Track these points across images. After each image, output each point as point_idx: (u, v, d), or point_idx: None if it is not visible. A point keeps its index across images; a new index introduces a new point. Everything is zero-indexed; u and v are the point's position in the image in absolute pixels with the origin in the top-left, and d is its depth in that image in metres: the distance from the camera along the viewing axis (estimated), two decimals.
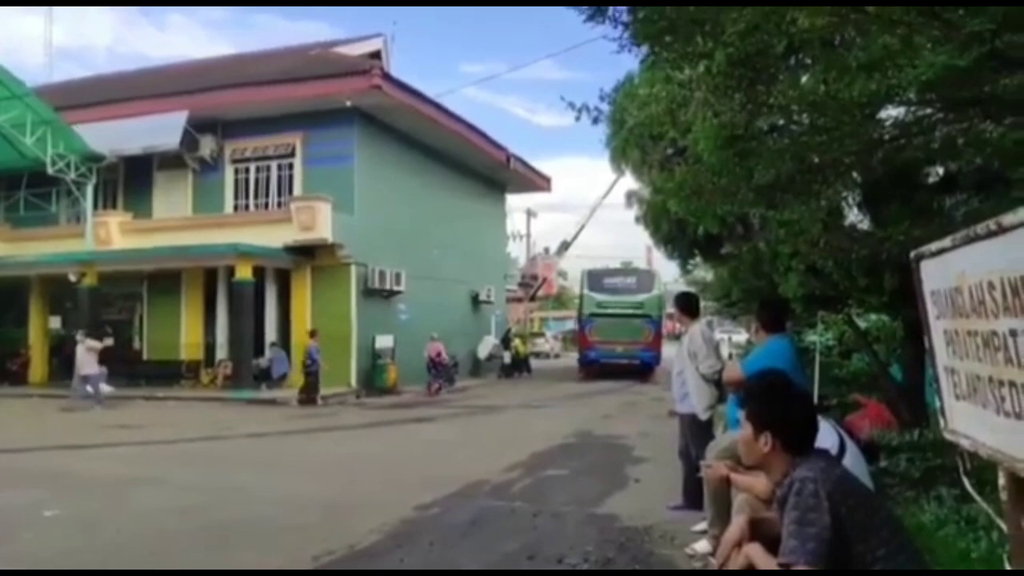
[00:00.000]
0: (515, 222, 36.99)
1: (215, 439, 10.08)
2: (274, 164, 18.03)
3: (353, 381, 16.60)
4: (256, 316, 16.52)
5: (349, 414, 13.39)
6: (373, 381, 16.93)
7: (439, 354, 17.73)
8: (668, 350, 23.95)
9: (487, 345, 22.69)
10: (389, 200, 18.07)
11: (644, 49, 4.04)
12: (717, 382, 5.23)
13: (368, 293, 17.21)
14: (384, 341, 17.42)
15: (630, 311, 21.63)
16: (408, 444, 9.95)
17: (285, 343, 17.00)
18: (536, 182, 27.03)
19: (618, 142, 12.58)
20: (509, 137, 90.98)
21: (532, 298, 40.00)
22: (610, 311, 21.69)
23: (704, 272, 16.59)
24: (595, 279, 22.70)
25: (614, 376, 21.12)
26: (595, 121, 4.97)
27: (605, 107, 5.25)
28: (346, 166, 17.10)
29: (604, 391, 17.75)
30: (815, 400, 6.46)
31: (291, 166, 17.84)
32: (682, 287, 16.15)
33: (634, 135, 11.11)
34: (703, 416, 5.28)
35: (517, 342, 24.56)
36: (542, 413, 13.62)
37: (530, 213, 41.72)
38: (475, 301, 23.40)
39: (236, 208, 18.23)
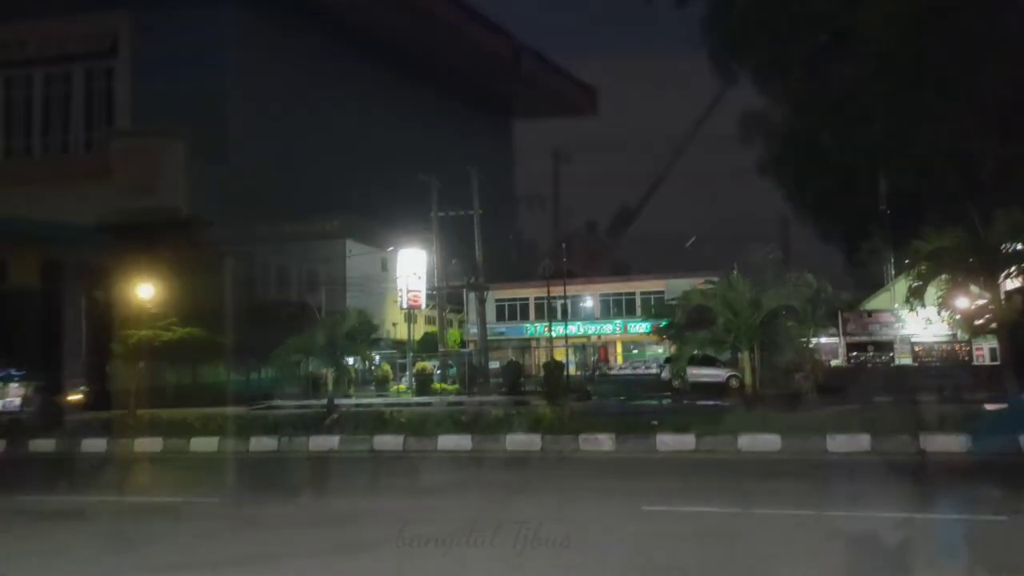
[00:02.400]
0: (530, 171, 36.54)
1: None
2: (79, 70, 17.81)
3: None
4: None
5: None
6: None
7: None
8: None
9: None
10: (297, 135, 17.81)
11: None
12: None
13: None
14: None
15: None
16: None
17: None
18: (568, 96, 27.02)
19: (726, 24, 12.22)
20: (518, 18, 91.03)
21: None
22: None
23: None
24: None
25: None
26: (681, 1, 4.35)
27: None
28: (213, 74, 16.75)
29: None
30: None
31: (110, 74, 17.73)
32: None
33: (753, 16, 10.89)
34: None
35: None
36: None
37: (559, 157, 41.24)
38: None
39: (9, 153, 18.02)
